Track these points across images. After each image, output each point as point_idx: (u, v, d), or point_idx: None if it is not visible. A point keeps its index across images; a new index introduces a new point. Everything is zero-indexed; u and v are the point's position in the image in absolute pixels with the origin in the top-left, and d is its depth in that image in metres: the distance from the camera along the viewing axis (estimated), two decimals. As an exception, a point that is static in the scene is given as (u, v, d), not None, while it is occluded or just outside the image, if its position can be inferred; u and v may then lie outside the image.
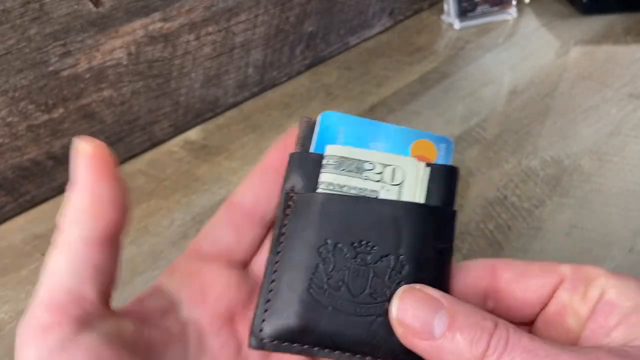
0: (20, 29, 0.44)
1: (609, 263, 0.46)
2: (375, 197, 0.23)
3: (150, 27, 0.52)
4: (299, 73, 0.69)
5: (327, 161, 0.23)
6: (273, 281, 0.22)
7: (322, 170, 0.23)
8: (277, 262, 0.22)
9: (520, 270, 0.23)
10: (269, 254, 0.23)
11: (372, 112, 0.64)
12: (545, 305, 0.23)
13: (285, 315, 0.21)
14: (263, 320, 0.22)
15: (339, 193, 0.23)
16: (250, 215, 0.25)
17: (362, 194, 0.23)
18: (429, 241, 0.22)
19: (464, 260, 0.24)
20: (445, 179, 0.24)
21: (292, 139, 0.26)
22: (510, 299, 0.23)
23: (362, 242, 0.22)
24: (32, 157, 0.50)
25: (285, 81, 0.68)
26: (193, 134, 0.61)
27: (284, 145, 0.26)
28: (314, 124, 0.24)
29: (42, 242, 0.49)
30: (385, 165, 0.23)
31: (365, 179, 0.23)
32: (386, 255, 0.22)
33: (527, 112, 0.63)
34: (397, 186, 0.23)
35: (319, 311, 0.21)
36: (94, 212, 0.20)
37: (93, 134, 0.53)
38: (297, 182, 0.23)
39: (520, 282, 0.23)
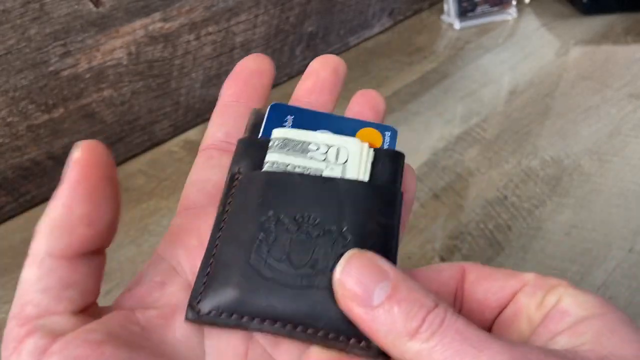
0: (21, 29, 0.44)
1: (609, 263, 0.46)
2: (319, 175, 0.23)
3: (151, 27, 0.52)
4: (299, 73, 0.69)
5: (273, 143, 0.24)
6: (214, 254, 0.22)
7: (269, 151, 0.24)
8: (219, 237, 0.22)
9: (485, 274, 0.23)
10: (211, 231, 0.23)
11: (372, 112, 0.64)
12: (503, 308, 0.23)
13: (224, 286, 0.21)
14: (201, 293, 0.21)
15: (283, 170, 0.23)
16: (227, 150, 0.25)
17: (307, 172, 0.23)
18: (372, 216, 0.22)
19: (461, 261, 0.24)
20: (390, 162, 0.24)
21: (238, 73, 0.27)
22: (472, 301, 0.23)
23: (305, 216, 0.22)
24: (32, 157, 0.50)
25: (286, 81, 0.68)
26: (193, 134, 0.61)
27: (234, 79, 0.27)
28: (263, 114, 0.25)
29: (42, 242, 0.49)
30: (330, 146, 0.24)
31: (310, 159, 0.23)
32: (329, 229, 0.22)
33: (527, 112, 0.63)
34: (341, 165, 0.23)
35: (259, 283, 0.21)
36: (63, 227, 0.19)
37: (93, 134, 0.53)
38: (243, 165, 0.24)
39: (483, 284, 0.23)
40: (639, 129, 0.60)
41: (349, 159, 0.24)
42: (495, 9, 0.80)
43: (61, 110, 0.50)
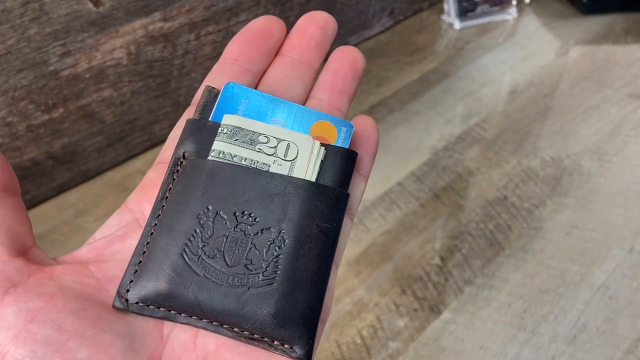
0: (20, 29, 0.44)
1: (609, 263, 0.46)
2: (265, 170, 0.22)
3: (150, 27, 0.52)
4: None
5: (222, 130, 0.23)
6: (148, 243, 0.21)
7: (217, 138, 0.23)
8: (154, 225, 0.22)
9: None
10: (148, 217, 0.22)
11: (372, 111, 0.64)
12: None
13: (154, 278, 0.21)
14: (131, 282, 0.21)
15: (229, 162, 0.22)
16: None
17: (253, 166, 0.22)
18: (314, 219, 0.22)
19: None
20: (341, 161, 0.23)
21: (246, 31, 0.26)
22: None
23: (245, 213, 0.21)
24: (32, 157, 0.50)
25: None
26: (193, 134, 0.60)
27: (240, 37, 0.26)
28: (217, 93, 0.24)
29: (41, 242, 0.49)
30: (280, 140, 0.23)
31: (259, 152, 0.23)
32: (268, 228, 0.21)
33: (527, 112, 0.63)
34: (290, 162, 0.23)
35: (189, 277, 0.20)
36: None
37: (93, 134, 0.53)
38: (189, 148, 0.23)
39: None
40: (639, 129, 0.60)
41: (298, 155, 0.23)
42: (496, 8, 0.80)
43: (61, 110, 0.50)
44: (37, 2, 0.43)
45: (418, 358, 0.40)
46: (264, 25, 0.26)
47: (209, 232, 0.21)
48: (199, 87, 0.27)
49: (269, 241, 0.21)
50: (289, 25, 0.27)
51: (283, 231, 0.21)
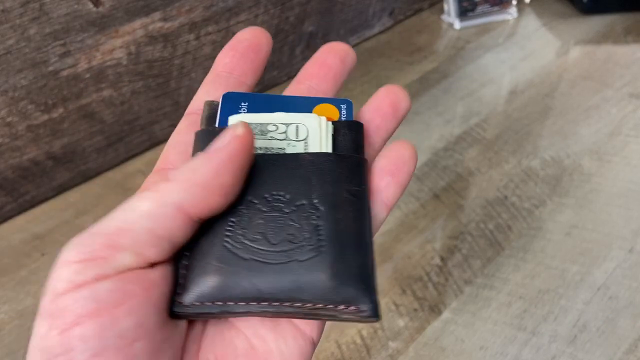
0: (20, 28, 0.44)
1: (609, 263, 0.46)
2: (282, 153, 0.23)
3: (150, 27, 0.52)
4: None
5: None
6: (186, 245, 0.21)
7: None
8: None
9: None
10: None
11: (372, 112, 0.64)
12: None
13: (204, 274, 0.20)
14: (182, 285, 0.21)
15: None
16: None
17: (269, 152, 0.23)
18: (340, 185, 0.22)
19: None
20: (349, 131, 0.24)
21: (236, 44, 0.27)
22: None
23: (274, 194, 0.22)
24: (32, 157, 0.50)
25: (285, 81, 0.68)
26: (193, 133, 0.60)
27: (231, 50, 0.27)
28: (217, 105, 0.25)
29: (41, 242, 0.49)
30: (288, 124, 0.24)
31: (271, 139, 0.23)
32: (300, 202, 0.22)
33: (527, 112, 0.63)
34: (302, 141, 0.23)
35: (238, 264, 0.20)
36: (204, 189, 0.20)
37: (93, 134, 0.53)
38: None
39: None
40: (639, 129, 0.60)
41: (309, 134, 0.23)
42: (496, 8, 0.80)
43: (61, 110, 0.50)
44: (37, 2, 0.43)
45: (418, 358, 0.40)
46: (255, 38, 0.27)
47: (245, 219, 0.21)
48: (198, 87, 0.27)
49: (305, 213, 0.21)
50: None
51: (315, 201, 0.22)
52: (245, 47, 0.27)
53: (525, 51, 0.73)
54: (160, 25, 0.52)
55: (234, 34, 0.66)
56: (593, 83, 0.67)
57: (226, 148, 0.20)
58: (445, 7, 0.79)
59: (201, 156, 0.21)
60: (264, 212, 0.21)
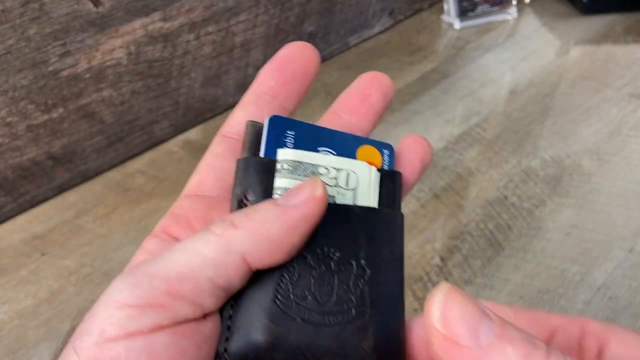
0: (20, 28, 0.44)
1: (609, 263, 0.46)
2: (332, 202, 0.22)
3: (150, 27, 0.52)
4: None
5: (282, 166, 0.22)
6: (234, 296, 0.21)
7: (277, 175, 0.22)
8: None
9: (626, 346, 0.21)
10: None
11: (372, 112, 0.64)
12: None
13: (253, 331, 0.20)
14: (227, 339, 0.20)
15: None
16: None
17: None
18: (385, 245, 0.22)
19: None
20: (392, 184, 0.24)
21: (284, 65, 0.25)
22: None
23: (325, 250, 0.21)
24: (32, 157, 0.50)
25: (285, 81, 0.68)
26: (193, 134, 0.61)
27: (278, 71, 0.25)
28: (260, 128, 0.23)
29: (41, 242, 0.49)
30: (339, 170, 0.23)
31: None
32: (348, 261, 0.21)
33: (527, 112, 0.63)
34: (352, 191, 0.23)
35: (288, 324, 0.20)
36: (273, 244, 0.19)
37: (93, 134, 0.53)
38: (249, 188, 0.22)
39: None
40: (639, 129, 0.60)
41: (358, 184, 0.23)
42: (496, 8, 0.80)
43: (61, 110, 0.50)
44: (37, 2, 0.43)
45: (418, 358, 0.40)
46: (305, 59, 0.26)
47: (295, 274, 0.21)
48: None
49: (353, 274, 0.21)
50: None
51: (363, 262, 0.22)
52: (293, 71, 0.25)
53: (525, 51, 0.73)
54: (160, 25, 0.52)
55: (234, 34, 0.66)
56: (593, 83, 0.67)
57: (302, 208, 0.20)
58: (445, 7, 0.79)
59: (273, 208, 0.20)
60: (315, 268, 0.21)
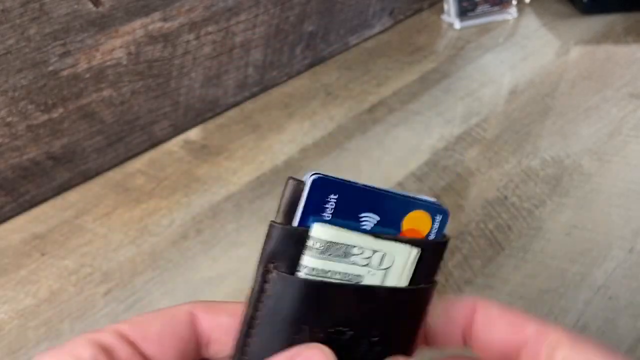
0: (20, 28, 0.44)
1: (609, 263, 0.46)
2: (358, 281, 0.22)
3: (150, 27, 0.52)
4: (299, 73, 0.69)
5: (313, 244, 0.21)
6: None
7: (307, 252, 0.21)
8: (247, 346, 0.22)
9: (492, 318, 0.23)
10: (239, 333, 0.22)
11: (372, 112, 0.64)
12: None
13: None
14: None
15: (321, 279, 0.21)
16: None
17: (346, 279, 0.22)
18: (404, 321, 0.22)
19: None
20: (434, 255, 0.23)
21: None
22: (478, 346, 0.23)
23: (339, 329, 0.21)
24: (32, 157, 0.50)
25: (285, 81, 0.68)
26: (193, 134, 0.61)
27: None
28: (301, 187, 0.22)
29: (41, 242, 0.49)
30: (375, 251, 0.22)
31: (352, 264, 0.22)
32: (361, 338, 0.22)
33: (527, 112, 0.63)
34: (383, 270, 0.22)
35: None
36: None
37: (93, 134, 0.53)
38: (276, 257, 0.21)
39: (489, 331, 0.23)
40: (639, 129, 0.60)
41: (393, 264, 0.22)
42: (496, 8, 0.80)
43: (61, 110, 0.50)
44: (37, 2, 0.43)
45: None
46: None
47: None
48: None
49: (362, 350, 0.22)
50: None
51: (374, 339, 0.22)
52: None
53: (525, 51, 0.73)
54: (160, 25, 0.52)
55: (234, 33, 0.66)
56: (593, 83, 0.67)
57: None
58: (445, 7, 0.79)
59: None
60: (325, 344, 0.21)
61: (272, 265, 0.21)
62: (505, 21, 0.80)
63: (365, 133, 0.61)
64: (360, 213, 0.22)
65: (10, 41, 0.44)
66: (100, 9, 0.47)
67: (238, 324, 0.22)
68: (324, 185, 0.21)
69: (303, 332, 0.21)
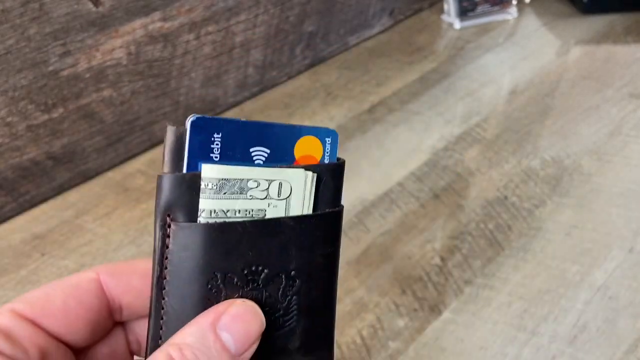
0: (20, 28, 0.44)
1: (609, 263, 0.46)
2: (262, 216, 0.21)
3: (150, 27, 0.52)
4: (299, 73, 0.69)
5: (206, 185, 0.20)
6: (161, 328, 0.21)
7: (202, 195, 0.21)
8: (162, 309, 0.21)
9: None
10: (151, 295, 0.21)
11: (372, 112, 0.64)
12: None
13: None
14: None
15: (223, 220, 0.21)
16: None
17: (249, 217, 0.21)
18: (317, 250, 0.22)
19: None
20: (332, 179, 0.23)
21: None
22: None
23: (253, 269, 0.21)
24: (32, 157, 0.50)
25: (285, 81, 0.68)
26: (193, 133, 0.60)
27: None
28: (182, 134, 0.21)
29: (41, 242, 0.49)
30: (271, 181, 0.21)
31: (251, 198, 0.21)
32: (277, 275, 0.21)
33: (527, 112, 0.63)
34: (285, 200, 0.22)
35: None
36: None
37: (93, 134, 0.53)
38: (172, 208, 0.21)
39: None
40: (639, 129, 0.60)
41: (292, 192, 0.22)
42: (496, 8, 0.80)
43: (61, 110, 0.50)
44: (37, 2, 0.43)
45: (418, 358, 0.40)
46: None
47: (222, 296, 0.21)
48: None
49: (281, 286, 0.22)
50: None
51: (292, 272, 0.22)
52: None
53: (525, 51, 0.73)
54: (160, 25, 0.52)
55: (234, 33, 0.66)
56: (593, 83, 0.67)
57: (252, 349, 0.20)
58: (445, 7, 0.79)
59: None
60: (241, 287, 0.21)
61: (169, 218, 0.21)
62: (505, 21, 0.80)
63: (365, 133, 0.61)
64: (249, 148, 0.21)
65: (10, 41, 0.44)
66: (100, 9, 0.47)
67: (149, 285, 0.21)
68: (205, 125, 0.21)
69: (217, 278, 0.21)
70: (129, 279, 0.23)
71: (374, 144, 0.59)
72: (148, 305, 0.21)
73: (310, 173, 0.22)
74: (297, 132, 0.22)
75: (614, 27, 0.77)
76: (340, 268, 0.23)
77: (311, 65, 0.70)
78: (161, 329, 0.21)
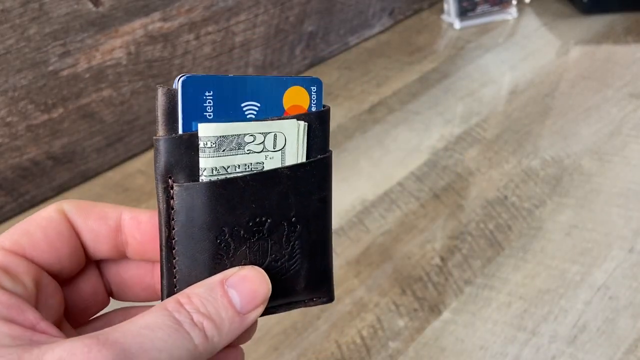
0: (20, 28, 0.44)
1: (609, 263, 0.46)
2: (260, 169, 0.22)
3: (150, 27, 0.52)
4: (299, 73, 0.69)
5: (205, 144, 0.21)
6: (175, 286, 0.22)
7: (201, 154, 0.21)
8: (174, 268, 0.22)
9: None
10: (161, 257, 0.22)
11: (372, 112, 0.64)
12: None
13: None
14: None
15: (224, 177, 0.21)
16: None
17: (248, 170, 0.22)
18: (313, 195, 0.23)
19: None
20: (320, 125, 0.24)
21: None
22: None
23: (258, 220, 0.22)
24: (32, 157, 0.50)
25: (285, 81, 0.68)
26: (193, 133, 0.60)
27: None
28: (174, 94, 0.21)
29: (41, 242, 0.49)
30: (266, 134, 0.23)
31: (249, 152, 0.22)
32: (280, 223, 0.23)
33: (527, 112, 0.63)
34: (280, 151, 0.23)
35: None
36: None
37: (93, 134, 0.53)
38: (172, 170, 0.21)
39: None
40: (639, 129, 0.60)
41: (286, 142, 0.23)
42: (496, 8, 0.80)
43: (60, 110, 0.50)
44: (37, 2, 0.43)
45: (418, 358, 0.40)
46: None
47: (232, 249, 0.22)
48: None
49: (285, 232, 0.23)
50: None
51: (293, 219, 0.23)
52: None
53: (525, 51, 0.73)
54: (160, 25, 0.52)
55: (234, 33, 0.66)
56: (593, 83, 0.67)
57: (258, 310, 0.21)
58: (445, 7, 0.79)
59: (234, 318, 0.20)
60: (248, 239, 0.22)
61: (170, 180, 0.21)
62: (505, 21, 0.80)
63: (365, 133, 0.61)
64: (241, 103, 0.22)
65: (10, 41, 0.44)
66: (100, 9, 0.47)
67: (105, 227, 0.22)
68: (195, 83, 0.21)
69: (225, 233, 0.22)
70: (91, 219, 0.23)
71: (374, 144, 0.59)
72: (107, 247, 0.23)
73: (302, 122, 0.23)
74: (284, 83, 0.23)
75: (614, 27, 0.77)
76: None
77: (311, 65, 0.70)
78: (175, 287, 0.22)
